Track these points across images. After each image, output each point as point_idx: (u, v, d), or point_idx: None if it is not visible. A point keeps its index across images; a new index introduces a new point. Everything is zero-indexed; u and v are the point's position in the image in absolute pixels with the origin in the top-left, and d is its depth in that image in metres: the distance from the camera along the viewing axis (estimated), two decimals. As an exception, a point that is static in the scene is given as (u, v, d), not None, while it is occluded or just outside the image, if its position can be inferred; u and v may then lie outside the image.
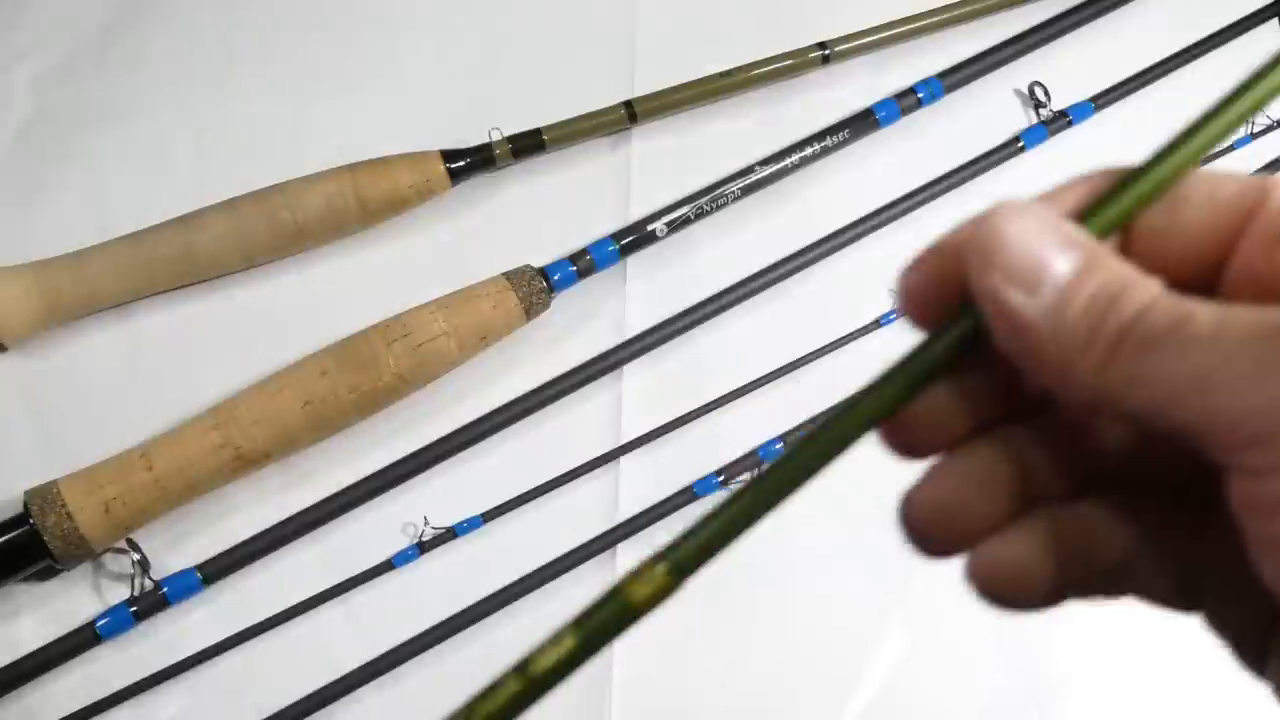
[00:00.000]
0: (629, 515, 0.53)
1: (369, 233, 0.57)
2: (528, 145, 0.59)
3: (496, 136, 0.58)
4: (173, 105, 0.62)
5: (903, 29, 0.64)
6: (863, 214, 0.60)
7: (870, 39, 0.64)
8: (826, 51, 0.63)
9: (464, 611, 0.51)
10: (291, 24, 0.64)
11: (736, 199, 0.59)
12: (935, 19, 0.65)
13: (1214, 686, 0.54)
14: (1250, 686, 0.56)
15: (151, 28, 0.64)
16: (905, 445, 0.23)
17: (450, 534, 0.52)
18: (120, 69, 0.62)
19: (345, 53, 0.64)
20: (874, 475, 0.60)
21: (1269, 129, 0.65)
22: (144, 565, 0.49)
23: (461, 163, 0.57)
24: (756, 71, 0.62)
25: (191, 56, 0.63)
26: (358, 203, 0.55)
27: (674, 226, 0.58)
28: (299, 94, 0.62)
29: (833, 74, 0.64)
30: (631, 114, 0.60)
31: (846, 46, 0.63)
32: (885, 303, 0.59)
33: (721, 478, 0.54)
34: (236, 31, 0.64)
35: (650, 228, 0.58)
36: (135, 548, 0.49)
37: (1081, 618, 0.55)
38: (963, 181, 0.62)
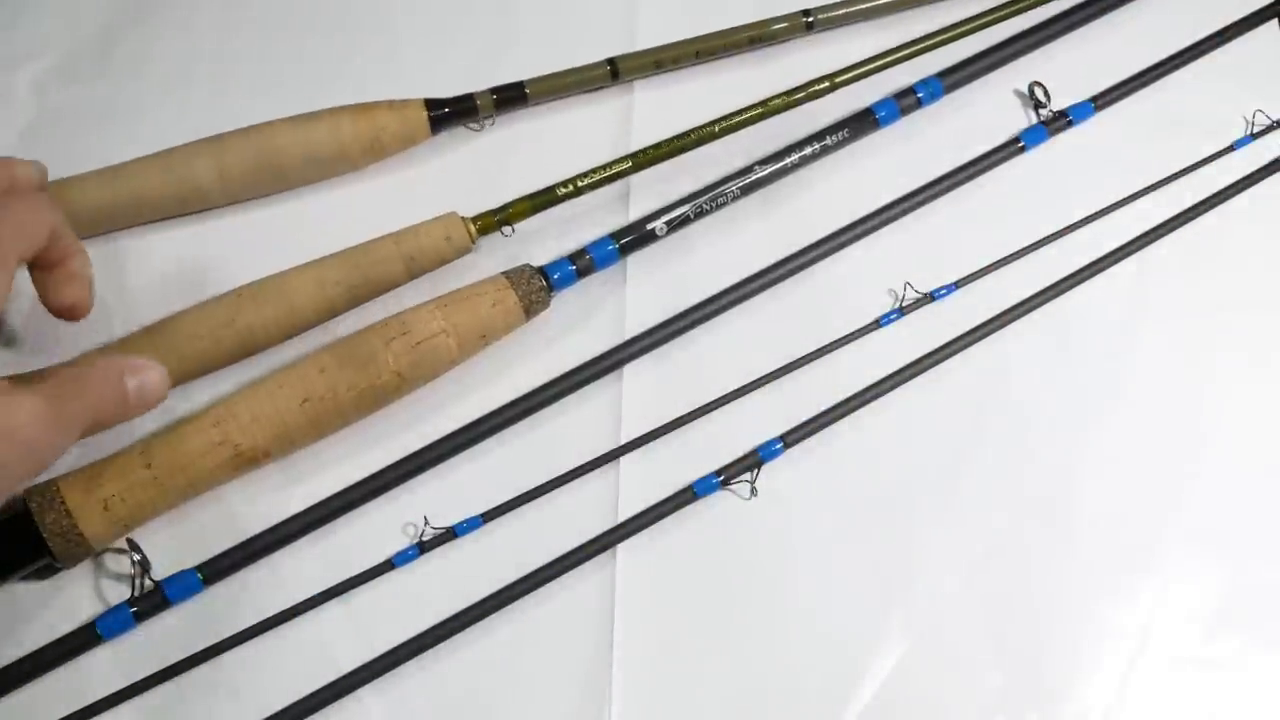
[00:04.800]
0: (629, 515, 0.53)
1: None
2: (511, 98, 0.60)
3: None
4: (174, 106, 0.62)
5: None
6: (863, 214, 0.60)
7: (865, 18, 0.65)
8: (811, 19, 0.64)
9: (464, 611, 0.51)
10: (291, 25, 0.65)
11: (736, 198, 0.59)
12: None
13: (1213, 687, 0.54)
14: (1249, 688, 0.56)
15: (152, 29, 0.64)
16: None
17: (450, 534, 0.52)
18: (121, 70, 0.62)
19: (345, 53, 0.64)
20: (874, 475, 0.60)
21: (1269, 129, 0.65)
22: (144, 565, 0.49)
23: (444, 110, 0.58)
24: (747, 34, 0.63)
25: (192, 58, 0.63)
26: (338, 147, 0.57)
27: (674, 226, 0.58)
28: (299, 94, 0.62)
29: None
30: (614, 71, 0.61)
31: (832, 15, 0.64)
32: (885, 303, 0.59)
33: (721, 478, 0.54)
34: (236, 33, 0.64)
35: (650, 227, 0.58)
36: (135, 548, 0.49)
37: (1082, 620, 0.55)
38: (963, 181, 0.62)
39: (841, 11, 0.64)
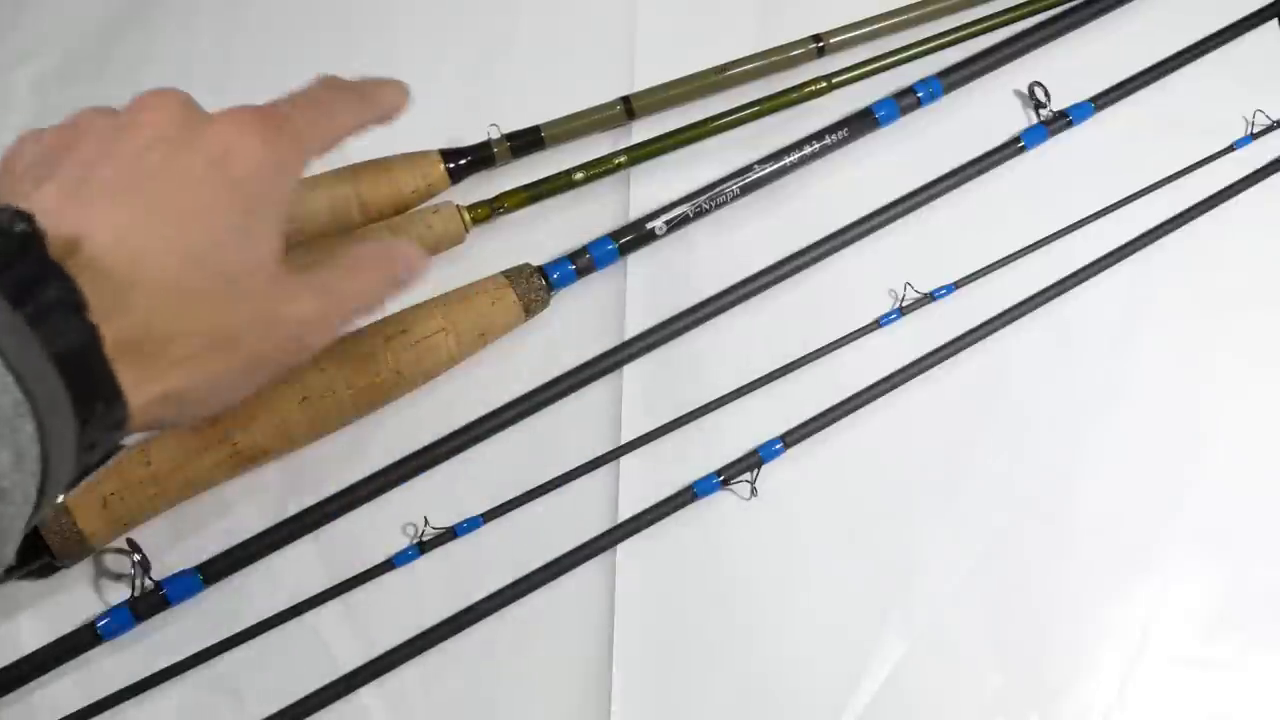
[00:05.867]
0: (629, 515, 0.53)
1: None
2: (527, 143, 0.59)
3: (495, 135, 0.59)
4: (173, 106, 0.62)
5: (900, 20, 0.64)
6: (862, 214, 0.60)
7: (868, 29, 0.64)
8: (821, 44, 0.63)
9: (464, 611, 0.51)
10: (291, 26, 0.65)
11: (736, 197, 0.59)
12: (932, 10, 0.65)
13: (1213, 687, 0.53)
14: (1249, 688, 0.56)
15: (152, 30, 0.64)
16: None
17: (450, 534, 0.52)
18: (121, 71, 0.62)
19: (344, 53, 0.64)
20: (874, 475, 0.60)
21: (1269, 129, 0.65)
22: (144, 565, 0.49)
23: (461, 161, 0.58)
24: (753, 65, 0.62)
25: (191, 59, 0.63)
26: (359, 206, 0.55)
27: (673, 225, 0.58)
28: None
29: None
30: (629, 110, 0.60)
31: (843, 38, 0.63)
32: (885, 303, 0.59)
33: (721, 478, 0.54)
34: (236, 34, 0.64)
35: (649, 226, 0.58)
36: (135, 548, 0.49)
37: (1082, 620, 0.55)
38: (963, 181, 0.62)
39: (851, 35, 0.64)
